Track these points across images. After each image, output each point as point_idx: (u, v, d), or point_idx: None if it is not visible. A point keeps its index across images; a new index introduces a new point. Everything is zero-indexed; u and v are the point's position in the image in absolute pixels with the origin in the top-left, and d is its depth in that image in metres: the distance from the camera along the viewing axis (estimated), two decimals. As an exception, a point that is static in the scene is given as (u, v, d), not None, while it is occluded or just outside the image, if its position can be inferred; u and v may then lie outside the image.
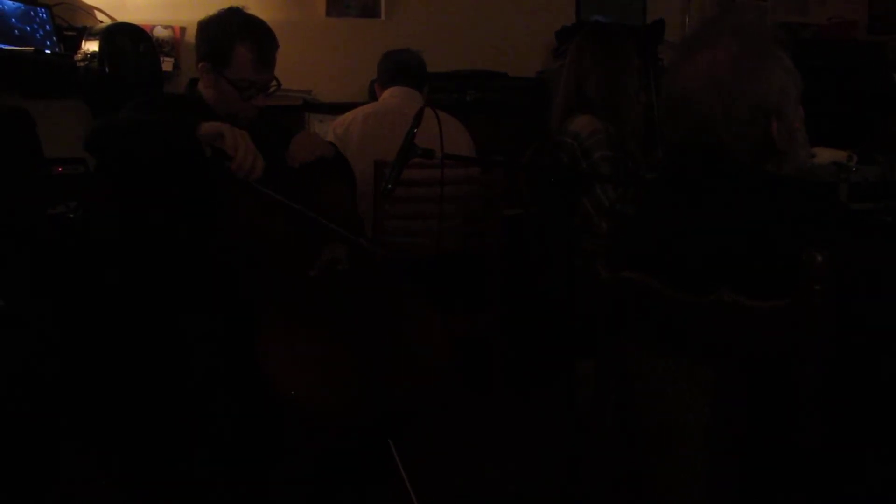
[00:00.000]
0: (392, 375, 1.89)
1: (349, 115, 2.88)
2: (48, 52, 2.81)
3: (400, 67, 2.97)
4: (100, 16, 3.18)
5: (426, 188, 2.49)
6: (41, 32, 2.82)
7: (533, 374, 3.06)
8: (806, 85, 1.31)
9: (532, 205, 3.00)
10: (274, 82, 2.16)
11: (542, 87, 3.65)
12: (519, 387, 3.01)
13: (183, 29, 3.30)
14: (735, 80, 1.25)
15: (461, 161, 2.61)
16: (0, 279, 2.18)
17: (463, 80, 3.59)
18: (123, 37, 2.84)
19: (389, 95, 2.94)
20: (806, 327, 1.07)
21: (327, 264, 2.03)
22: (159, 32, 3.25)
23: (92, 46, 2.78)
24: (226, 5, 2.14)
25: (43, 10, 2.85)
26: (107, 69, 2.76)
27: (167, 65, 3.19)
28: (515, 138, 3.40)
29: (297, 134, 2.22)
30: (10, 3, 2.71)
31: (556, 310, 2.79)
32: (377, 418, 1.90)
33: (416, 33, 3.59)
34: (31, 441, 2.18)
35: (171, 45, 3.28)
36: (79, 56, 2.79)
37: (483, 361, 2.88)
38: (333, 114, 3.04)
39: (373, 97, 3.17)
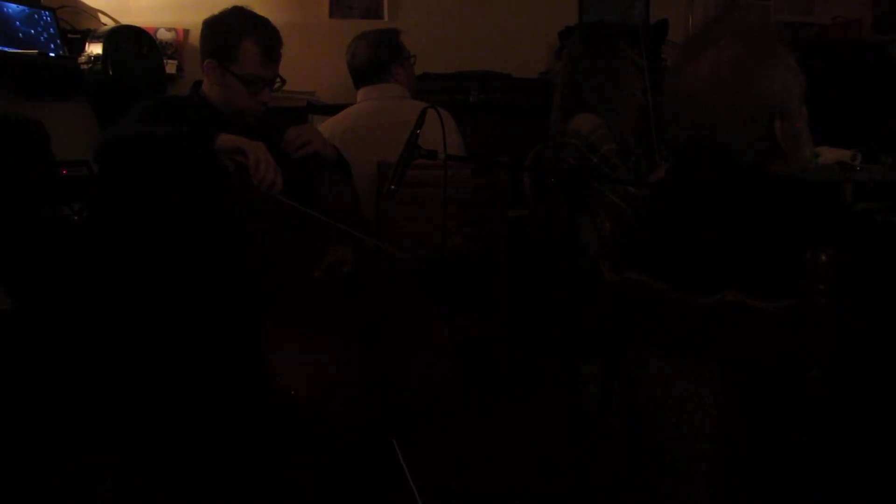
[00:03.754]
0: (396, 376, 1.89)
1: (325, 130, 2.79)
2: (52, 54, 2.82)
3: (358, 67, 2.87)
4: (103, 18, 3.19)
5: (429, 189, 2.49)
6: (45, 35, 2.82)
7: (538, 375, 3.06)
8: (810, 84, 1.31)
9: (536, 206, 2.99)
10: (278, 79, 2.17)
11: (545, 87, 3.64)
12: (524, 388, 3.01)
13: (186, 31, 3.31)
14: (738, 80, 1.25)
15: (464, 162, 2.61)
16: (7, 281, 2.18)
17: (466, 81, 3.59)
18: (127, 39, 2.85)
19: (363, 98, 2.86)
20: (811, 328, 1.06)
21: (332, 265, 2.03)
22: (163, 35, 3.26)
23: (96, 49, 2.78)
24: (228, 7, 2.16)
25: (47, 13, 2.86)
26: (110, 72, 2.77)
27: (170, 67, 3.20)
28: (519, 139, 3.39)
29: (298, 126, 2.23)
30: (15, 6, 2.71)
31: (561, 311, 2.79)
32: (381, 419, 1.90)
33: (419, 34, 3.58)
34: (39, 442, 2.19)
35: (175, 48, 3.29)
36: (82, 59, 2.80)
37: (488, 362, 2.88)
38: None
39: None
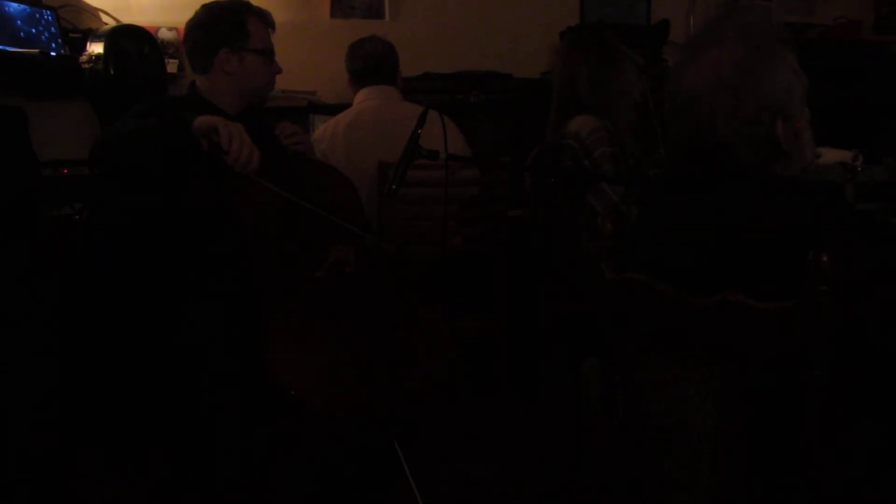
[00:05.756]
0: (397, 376, 1.89)
1: (328, 129, 2.84)
2: (53, 54, 2.82)
3: (367, 65, 2.90)
4: (105, 18, 3.19)
5: (429, 189, 2.49)
6: (46, 34, 2.82)
7: (538, 375, 3.06)
8: (811, 85, 1.31)
9: (537, 206, 2.99)
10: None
11: (546, 87, 3.63)
12: (524, 388, 3.00)
13: (188, 31, 3.31)
14: (740, 80, 1.25)
15: (465, 162, 2.61)
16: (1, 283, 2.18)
17: (467, 81, 3.58)
18: (128, 39, 2.84)
19: (365, 98, 2.88)
20: (812, 328, 1.06)
21: (334, 265, 2.03)
22: (164, 34, 3.26)
23: (97, 48, 2.78)
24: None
25: (48, 12, 2.86)
26: (111, 71, 2.76)
27: (172, 66, 3.19)
28: (520, 139, 3.39)
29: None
30: (16, 5, 2.71)
31: (561, 311, 2.79)
32: (382, 419, 1.90)
33: (420, 34, 3.59)
34: (40, 442, 2.19)
35: (176, 47, 3.29)
36: (84, 58, 2.80)
37: (488, 362, 2.88)
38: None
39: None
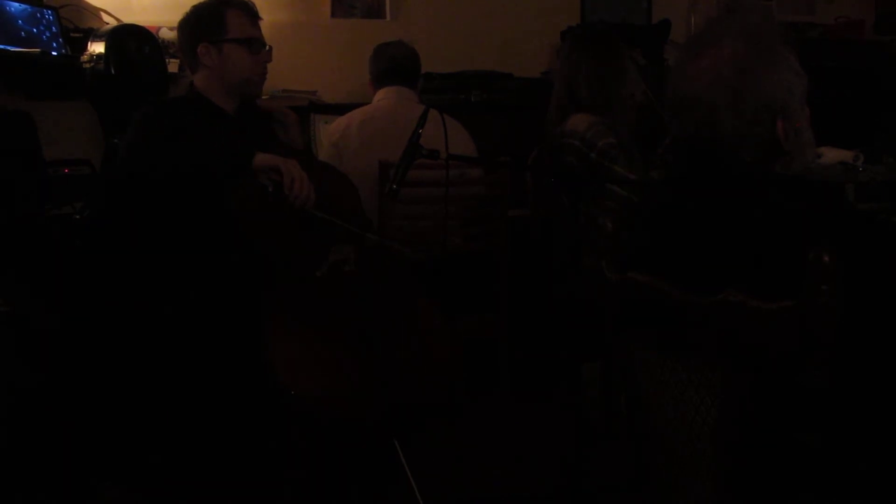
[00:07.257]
0: (398, 376, 1.89)
1: (343, 122, 2.87)
2: (54, 53, 2.82)
3: (391, 66, 2.95)
4: (106, 17, 3.19)
5: (431, 188, 2.49)
6: (47, 34, 2.82)
7: (539, 375, 3.06)
8: (812, 84, 1.31)
9: (537, 206, 2.99)
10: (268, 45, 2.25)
11: (547, 87, 3.63)
12: (525, 388, 3.00)
13: (188, 30, 3.30)
14: (741, 80, 1.25)
15: (465, 161, 2.61)
16: (2, 282, 2.18)
17: (468, 81, 3.59)
18: (129, 38, 2.85)
19: (383, 97, 2.92)
20: (813, 328, 1.06)
21: (335, 265, 2.03)
22: (165, 34, 3.26)
23: (98, 48, 2.78)
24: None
25: (49, 11, 2.86)
26: (113, 71, 2.77)
27: (173, 66, 3.19)
28: (520, 139, 3.39)
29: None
30: (17, 4, 2.72)
31: (562, 311, 2.79)
32: (382, 418, 1.90)
33: (421, 34, 3.58)
34: (40, 443, 2.19)
35: (177, 47, 3.29)
36: (85, 58, 2.80)
37: (489, 362, 2.88)
38: (339, 114, 3.05)
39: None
